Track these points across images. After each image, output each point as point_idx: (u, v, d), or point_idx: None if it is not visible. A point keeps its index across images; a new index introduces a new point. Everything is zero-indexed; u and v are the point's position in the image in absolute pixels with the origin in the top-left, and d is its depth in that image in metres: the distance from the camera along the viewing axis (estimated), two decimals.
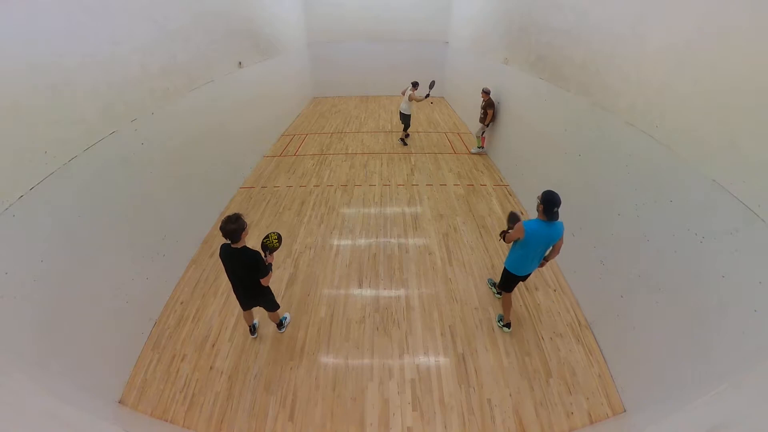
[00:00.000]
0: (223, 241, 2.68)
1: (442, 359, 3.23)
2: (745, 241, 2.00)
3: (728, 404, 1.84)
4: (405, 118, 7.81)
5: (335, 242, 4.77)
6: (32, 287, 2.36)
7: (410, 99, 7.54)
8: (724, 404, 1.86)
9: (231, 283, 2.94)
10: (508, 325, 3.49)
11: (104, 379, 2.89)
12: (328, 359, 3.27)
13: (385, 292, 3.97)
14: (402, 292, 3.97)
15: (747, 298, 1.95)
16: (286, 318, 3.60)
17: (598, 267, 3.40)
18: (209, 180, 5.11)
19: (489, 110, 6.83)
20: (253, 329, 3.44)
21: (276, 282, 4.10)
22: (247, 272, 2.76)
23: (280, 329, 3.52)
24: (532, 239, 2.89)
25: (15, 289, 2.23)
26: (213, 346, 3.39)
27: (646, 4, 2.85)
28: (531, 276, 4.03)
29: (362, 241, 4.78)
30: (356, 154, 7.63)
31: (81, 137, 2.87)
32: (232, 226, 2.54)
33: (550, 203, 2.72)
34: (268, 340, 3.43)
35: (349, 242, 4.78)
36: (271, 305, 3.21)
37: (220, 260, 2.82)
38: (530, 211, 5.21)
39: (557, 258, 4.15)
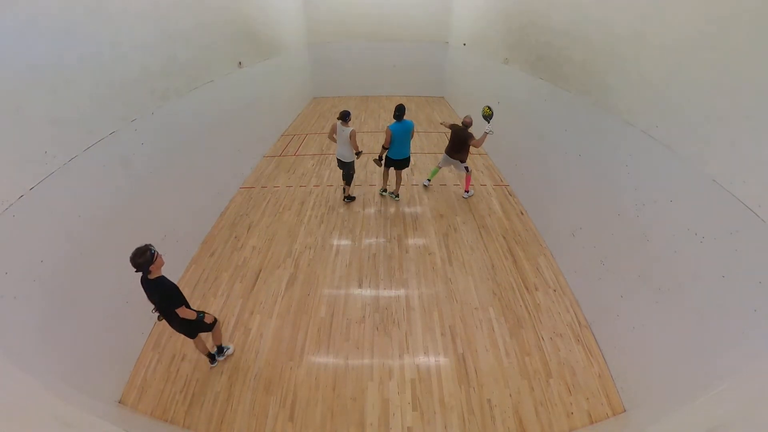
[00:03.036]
0: None
1: (442, 359, 3.23)
2: (745, 241, 2.00)
3: (728, 404, 1.83)
4: (347, 166, 5.30)
5: (335, 242, 4.77)
6: (32, 287, 2.36)
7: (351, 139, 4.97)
8: (724, 404, 1.85)
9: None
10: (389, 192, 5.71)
11: (104, 379, 2.89)
12: (328, 359, 3.27)
13: (385, 292, 3.97)
14: (402, 292, 3.97)
15: (747, 298, 1.95)
16: (229, 348, 3.29)
17: (598, 267, 3.40)
18: (209, 180, 5.11)
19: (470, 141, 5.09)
20: (212, 358, 3.19)
21: (276, 282, 4.10)
22: (164, 303, 2.63)
23: (220, 356, 3.22)
24: (397, 133, 4.92)
25: (15, 289, 2.23)
26: (213, 346, 3.39)
27: (646, 4, 2.85)
28: (531, 276, 4.11)
29: (362, 241, 4.78)
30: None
31: (81, 137, 2.87)
32: (139, 260, 2.39)
33: (399, 112, 4.84)
34: (268, 339, 3.43)
35: (349, 242, 4.78)
36: (204, 328, 2.95)
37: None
38: (530, 211, 5.22)
39: (557, 258, 4.29)
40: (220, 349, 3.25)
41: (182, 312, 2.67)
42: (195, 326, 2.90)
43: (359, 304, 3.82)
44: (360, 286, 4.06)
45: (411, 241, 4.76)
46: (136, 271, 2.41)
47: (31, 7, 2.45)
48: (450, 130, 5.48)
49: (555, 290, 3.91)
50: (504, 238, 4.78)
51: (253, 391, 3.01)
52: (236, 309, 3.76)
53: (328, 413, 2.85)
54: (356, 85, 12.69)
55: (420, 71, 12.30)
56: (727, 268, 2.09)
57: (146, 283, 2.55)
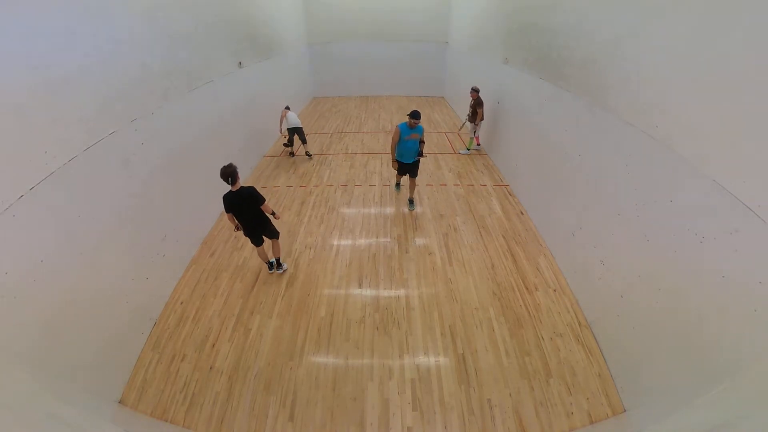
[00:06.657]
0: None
1: (442, 359, 3.23)
2: (745, 241, 2.00)
3: (728, 404, 1.84)
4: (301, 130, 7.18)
5: (335, 242, 4.77)
6: (32, 287, 2.35)
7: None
8: (724, 404, 1.86)
9: (242, 224, 3.72)
10: (411, 202, 5.60)
11: (104, 379, 2.89)
12: (328, 359, 3.27)
13: (385, 292, 3.97)
14: (402, 292, 3.97)
15: (747, 298, 1.95)
16: (284, 265, 4.27)
17: (598, 267, 3.40)
18: (209, 180, 5.09)
19: (479, 109, 6.88)
20: (270, 266, 4.21)
21: (276, 282, 4.11)
22: (251, 204, 3.55)
23: (279, 269, 4.19)
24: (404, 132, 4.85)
25: (15, 289, 2.23)
26: (213, 346, 3.39)
27: (645, 4, 2.85)
28: (531, 276, 4.12)
29: (362, 241, 4.78)
30: (356, 154, 7.63)
31: (81, 137, 2.87)
32: (231, 169, 3.36)
33: (415, 115, 4.67)
34: (268, 339, 3.43)
35: (349, 242, 4.78)
36: (272, 233, 4.00)
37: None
38: (530, 211, 5.22)
39: (557, 258, 4.30)
40: (279, 263, 4.21)
41: (265, 207, 3.62)
42: (270, 226, 3.90)
43: (359, 304, 3.82)
44: (360, 286, 4.06)
45: (411, 241, 4.76)
46: (225, 181, 3.36)
47: (32, 7, 2.45)
48: (479, 108, 6.88)
49: (555, 290, 3.91)
50: (504, 238, 4.78)
51: (253, 391, 3.01)
52: (236, 309, 3.77)
53: (328, 413, 2.85)
54: (356, 85, 12.70)
55: (420, 71, 12.31)
56: (727, 268, 2.09)
57: (231, 195, 3.45)
